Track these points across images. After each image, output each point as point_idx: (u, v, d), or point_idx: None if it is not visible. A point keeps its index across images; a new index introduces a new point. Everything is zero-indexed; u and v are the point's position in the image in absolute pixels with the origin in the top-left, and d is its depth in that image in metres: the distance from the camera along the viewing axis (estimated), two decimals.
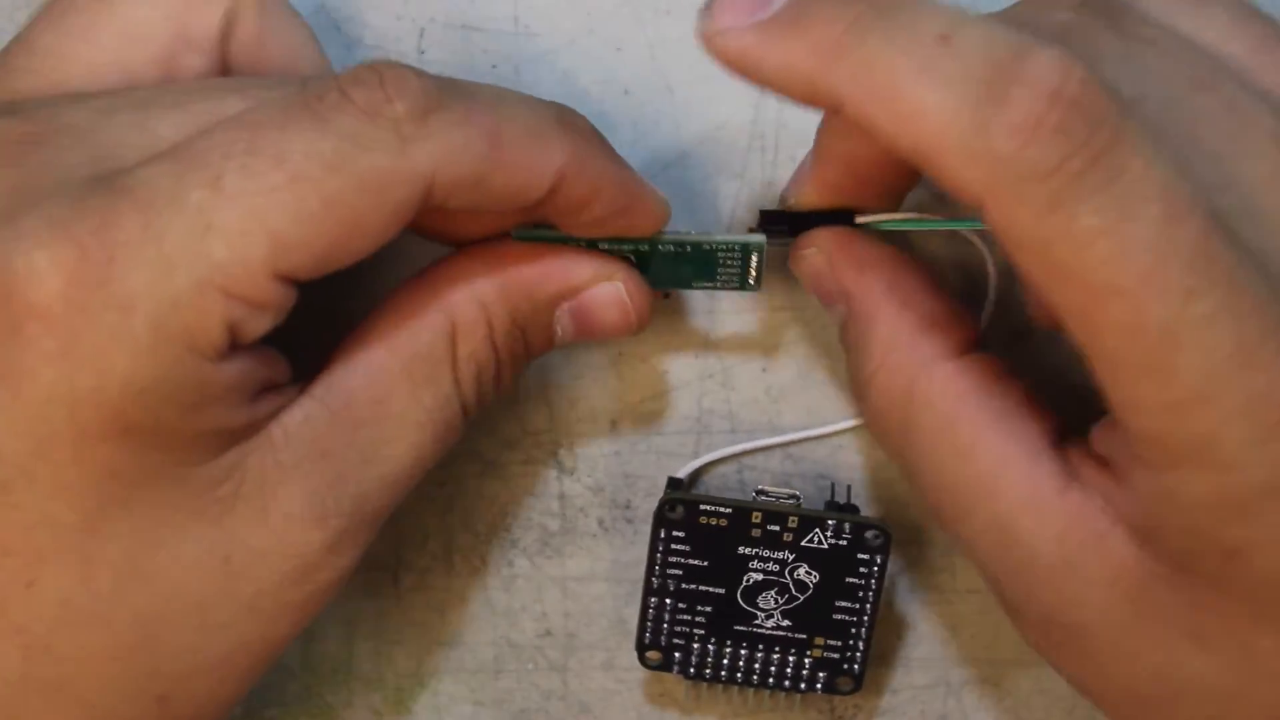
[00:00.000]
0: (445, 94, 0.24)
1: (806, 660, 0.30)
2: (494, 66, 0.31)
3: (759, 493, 0.30)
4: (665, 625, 0.30)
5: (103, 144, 0.24)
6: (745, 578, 0.30)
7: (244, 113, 0.24)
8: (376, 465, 0.26)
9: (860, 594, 0.30)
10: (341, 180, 0.23)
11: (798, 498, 0.30)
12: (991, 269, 0.30)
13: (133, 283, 0.22)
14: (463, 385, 0.27)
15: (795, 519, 0.29)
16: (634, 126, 0.31)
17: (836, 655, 0.30)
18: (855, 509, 0.30)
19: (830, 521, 0.29)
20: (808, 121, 0.28)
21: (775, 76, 0.24)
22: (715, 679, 0.31)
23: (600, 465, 0.32)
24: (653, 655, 0.30)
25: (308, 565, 0.25)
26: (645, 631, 0.30)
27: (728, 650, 0.30)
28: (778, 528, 0.29)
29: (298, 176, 0.23)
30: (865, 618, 0.30)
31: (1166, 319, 0.22)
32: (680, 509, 0.29)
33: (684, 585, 0.30)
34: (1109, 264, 0.22)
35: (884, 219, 0.28)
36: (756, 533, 0.30)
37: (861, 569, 0.30)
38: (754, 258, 0.28)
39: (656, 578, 0.30)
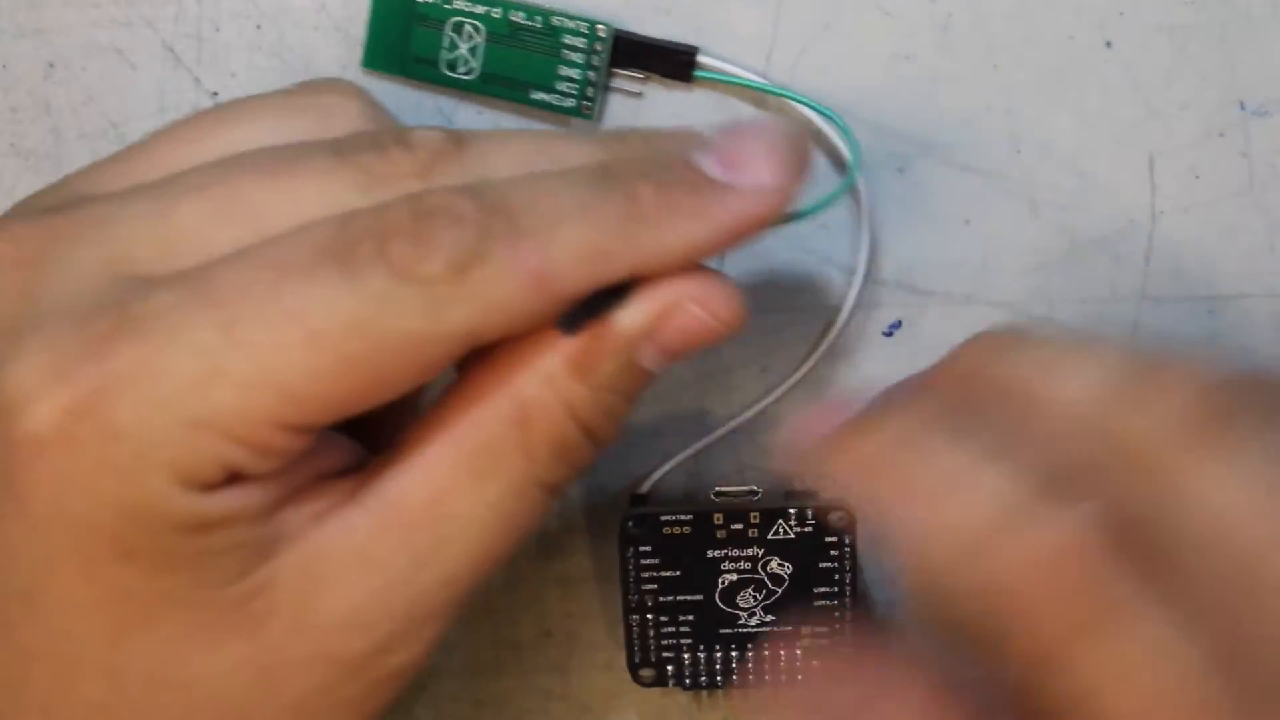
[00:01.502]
0: (487, 239, 0.23)
1: (797, 652, 0.30)
2: None
3: (717, 494, 0.30)
4: (651, 641, 0.30)
5: (119, 238, 0.23)
6: (720, 580, 0.29)
7: (272, 246, 0.23)
8: (433, 568, 0.24)
9: (836, 577, 0.29)
10: (362, 343, 0.22)
11: (756, 492, 0.29)
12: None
13: (121, 416, 0.22)
14: (541, 467, 0.24)
15: (756, 514, 0.29)
16: None
17: (825, 643, 0.30)
18: (814, 494, 0.30)
19: (791, 510, 0.29)
20: None
21: None
22: (713, 685, 0.30)
23: (601, 465, 0.32)
24: (646, 673, 0.30)
25: (354, 668, 0.24)
26: (634, 651, 0.30)
27: (718, 654, 0.30)
28: (741, 525, 0.29)
29: (315, 335, 0.22)
30: (846, 600, 0.29)
31: None
32: (642, 524, 0.29)
33: (661, 598, 0.30)
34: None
35: None
36: (722, 534, 0.29)
37: (832, 552, 0.29)
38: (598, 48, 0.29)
39: (633, 595, 0.30)
